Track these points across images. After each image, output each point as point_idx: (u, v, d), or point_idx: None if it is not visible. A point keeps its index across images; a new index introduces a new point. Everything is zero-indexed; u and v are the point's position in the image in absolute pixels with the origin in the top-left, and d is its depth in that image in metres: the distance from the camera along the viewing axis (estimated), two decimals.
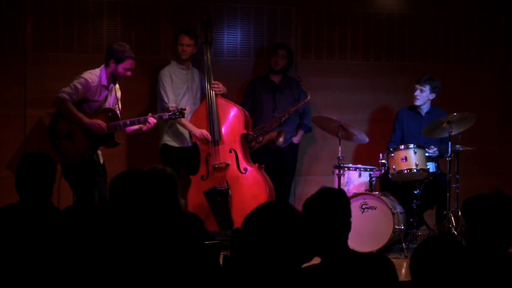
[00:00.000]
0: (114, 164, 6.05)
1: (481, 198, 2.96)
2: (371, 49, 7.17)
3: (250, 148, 6.37)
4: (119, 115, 5.72)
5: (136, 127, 5.80)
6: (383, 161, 6.23)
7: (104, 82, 5.67)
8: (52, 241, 2.94)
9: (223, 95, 6.28)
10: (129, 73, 5.70)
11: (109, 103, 5.75)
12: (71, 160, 5.60)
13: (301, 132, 6.67)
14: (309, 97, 6.45)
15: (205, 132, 6.09)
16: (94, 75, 5.64)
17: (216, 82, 6.22)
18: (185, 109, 5.86)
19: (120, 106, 5.83)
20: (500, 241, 2.88)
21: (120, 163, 6.42)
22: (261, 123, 6.46)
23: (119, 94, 5.85)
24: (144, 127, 5.76)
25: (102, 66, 5.70)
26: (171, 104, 6.09)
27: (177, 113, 5.80)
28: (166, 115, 5.80)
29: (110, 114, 5.68)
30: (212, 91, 6.17)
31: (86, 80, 5.59)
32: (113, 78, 5.70)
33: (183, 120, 6.11)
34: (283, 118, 6.45)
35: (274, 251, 2.37)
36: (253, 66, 6.92)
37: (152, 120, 5.72)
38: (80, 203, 5.51)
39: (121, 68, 5.65)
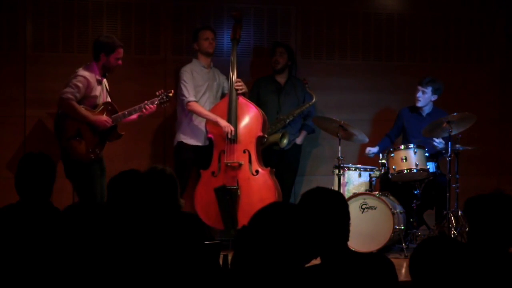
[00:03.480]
0: (114, 164, 6.04)
1: (482, 198, 2.97)
2: (371, 49, 7.17)
3: None
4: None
5: (134, 116, 5.81)
6: (383, 161, 6.23)
7: (98, 76, 5.69)
8: (52, 241, 2.94)
9: (244, 95, 6.27)
10: (120, 62, 5.73)
11: (103, 97, 5.77)
12: (84, 159, 5.61)
13: (304, 133, 6.67)
14: (314, 100, 6.44)
15: (230, 127, 6.07)
16: (88, 71, 5.65)
17: (239, 80, 6.22)
18: (170, 92, 5.87)
19: (110, 97, 5.85)
20: (501, 241, 2.88)
21: (120, 163, 6.41)
22: None
23: (107, 86, 5.87)
24: (146, 112, 5.77)
25: (92, 62, 5.70)
26: (191, 99, 6.08)
27: (164, 96, 5.82)
28: (156, 100, 5.81)
29: (109, 107, 5.74)
30: (234, 90, 6.16)
31: (84, 77, 5.60)
32: (105, 70, 5.72)
33: (207, 112, 6.11)
34: (288, 120, 6.45)
35: (278, 251, 2.37)
36: (253, 66, 6.92)
37: (149, 107, 5.73)
38: (83, 203, 5.51)
39: (112, 58, 5.67)
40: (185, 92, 6.13)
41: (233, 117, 6.14)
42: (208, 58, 6.32)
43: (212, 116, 6.12)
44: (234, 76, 6.21)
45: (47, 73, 6.40)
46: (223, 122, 6.07)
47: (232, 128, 6.06)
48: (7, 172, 6.15)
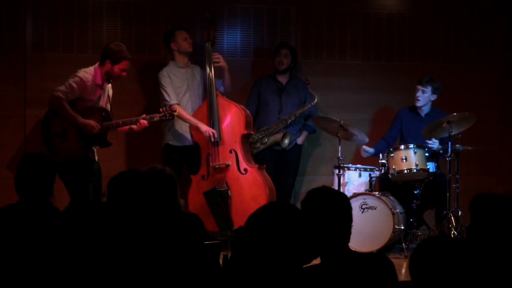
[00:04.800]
0: (113, 164, 6.05)
1: (493, 197, 2.96)
2: (371, 49, 7.17)
3: (255, 149, 6.36)
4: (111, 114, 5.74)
5: (126, 127, 5.80)
6: (383, 161, 6.23)
7: (99, 81, 5.67)
8: (52, 241, 2.94)
9: (221, 69, 6.22)
10: (124, 73, 5.71)
11: (102, 102, 5.76)
12: (64, 159, 5.59)
13: (305, 133, 6.66)
14: (316, 100, 6.44)
15: (211, 130, 6.07)
16: (89, 74, 5.64)
17: (217, 54, 6.21)
18: (174, 111, 5.85)
19: (110, 104, 5.83)
20: (503, 242, 2.88)
21: (119, 163, 6.42)
22: (266, 124, 6.45)
23: (111, 92, 5.85)
24: (136, 127, 5.75)
25: (97, 64, 5.69)
26: (173, 102, 6.08)
27: (167, 114, 5.78)
28: (157, 116, 5.78)
29: (103, 113, 5.69)
30: (214, 91, 6.14)
31: (81, 79, 5.59)
32: (108, 77, 5.70)
33: (189, 116, 6.11)
34: (289, 120, 6.45)
35: (276, 251, 2.37)
36: (253, 67, 6.92)
37: (143, 122, 5.71)
38: (75, 203, 5.53)
39: (117, 68, 5.66)
40: (166, 96, 6.10)
41: (215, 119, 6.12)
42: (186, 57, 6.29)
43: (193, 121, 6.10)
44: (212, 78, 6.16)
45: (47, 73, 6.39)
46: (203, 127, 6.05)
47: (214, 131, 6.05)
48: (7, 172, 6.15)
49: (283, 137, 6.37)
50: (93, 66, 5.70)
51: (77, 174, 5.62)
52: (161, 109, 5.83)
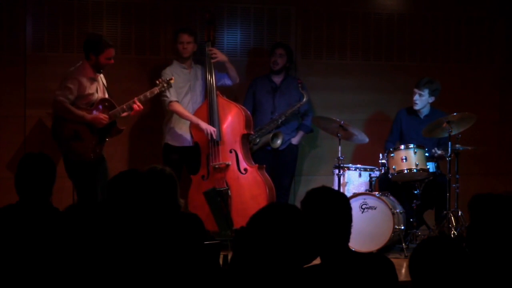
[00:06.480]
0: (114, 164, 6.05)
1: (491, 197, 2.97)
2: (371, 49, 7.17)
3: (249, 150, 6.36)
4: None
5: (125, 113, 5.81)
6: (383, 161, 6.23)
7: (91, 74, 5.70)
8: (52, 242, 2.94)
9: (223, 62, 6.23)
10: (111, 61, 5.73)
11: (101, 93, 5.78)
12: (86, 158, 5.61)
13: (301, 133, 6.64)
14: (305, 99, 6.43)
15: (211, 128, 6.07)
16: (79, 70, 5.66)
17: (213, 49, 6.21)
18: (171, 79, 5.88)
19: (108, 92, 5.86)
20: (502, 242, 2.88)
21: (120, 163, 6.42)
22: (260, 124, 6.45)
23: (105, 81, 5.88)
24: (132, 112, 5.78)
25: (84, 61, 5.71)
26: (173, 99, 6.08)
27: (165, 85, 5.83)
28: (156, 89, 5.82)
29: (106, 103, 5.73)
30: (214, 92, 6.14)
31: (75, 77, 5.62)
32: (97, 68, 5.73)
33: (188, 114, 6.11)
34: (280, 120, 6.43)
35: (277, 251, 2.38)
36: (252, 66, 6.92)
37: (136, 107, 5.71)
38: (82, 202, 5.51)
39: (102, 58, 5.68)
40: (167, 93, 6.10)
41: (215, 119, 6.12)
42: (188, 59, 6.29)
43: (194, 119, 6.11)
44: (212, 79, 6.17)
45: (47, 73, 6.39)
46: (203, 125, 6.06)
47: (214, 129, 6.05)
48: (7, 172, 6.15)
49: (273, 137, 6.36)
50: (80, 62, 5.72)
51: (90, 172, 5.63)
52: (157, 81, 5.88)
